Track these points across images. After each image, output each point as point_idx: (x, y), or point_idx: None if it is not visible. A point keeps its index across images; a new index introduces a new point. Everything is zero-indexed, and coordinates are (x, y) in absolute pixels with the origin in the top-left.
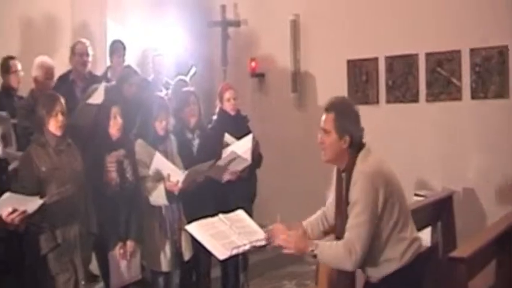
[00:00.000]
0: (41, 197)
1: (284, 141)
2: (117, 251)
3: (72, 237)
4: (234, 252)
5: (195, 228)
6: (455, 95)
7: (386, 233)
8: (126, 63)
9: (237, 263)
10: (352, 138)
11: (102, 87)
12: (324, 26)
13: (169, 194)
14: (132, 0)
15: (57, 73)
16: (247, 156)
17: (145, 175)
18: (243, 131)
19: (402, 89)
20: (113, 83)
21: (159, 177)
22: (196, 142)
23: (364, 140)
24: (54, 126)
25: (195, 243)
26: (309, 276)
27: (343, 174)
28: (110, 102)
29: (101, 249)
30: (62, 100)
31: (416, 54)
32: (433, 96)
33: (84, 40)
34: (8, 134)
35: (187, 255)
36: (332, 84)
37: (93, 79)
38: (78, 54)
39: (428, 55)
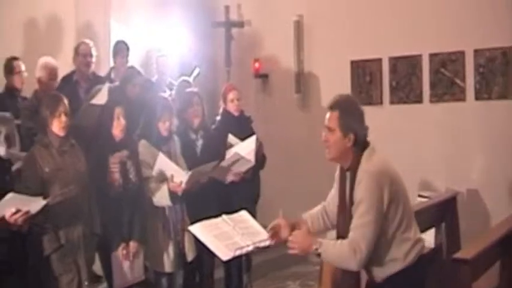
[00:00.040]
0: (44, 198)
1: (288, 142)
2: (120, 251)
3: (76, 238)
4: (238, 253)
5: (198, 229)
6: (459, 95)
7: (390, 232)
8: (129, 63)
9: (240, 264)
10: (357, 137)
11: (105, 88)
12: (328, 27)
13: (172, 194)
14: (136, 1)
15: (61, 74)
16: (251, 157)
17: (148, 176)
18: (246, 131)
19: (406, 90)
20: (117, 83)
21: (163, 178)
22: (199, 143)
23: (368, 139)
24: (57, 127)
25: (199, 244)
26: (313, 276)
27: (347, 173)
28: (113, 103)
29: (104, 249)
30: (65, 101)
31: (420, 55)
32: (437, 97)
33: (87, 41)
34: (12, 135)
35: (190, 256)
36: (336, 85)
37: (97, 80)
38: (81, 54)
39: (432, 56)
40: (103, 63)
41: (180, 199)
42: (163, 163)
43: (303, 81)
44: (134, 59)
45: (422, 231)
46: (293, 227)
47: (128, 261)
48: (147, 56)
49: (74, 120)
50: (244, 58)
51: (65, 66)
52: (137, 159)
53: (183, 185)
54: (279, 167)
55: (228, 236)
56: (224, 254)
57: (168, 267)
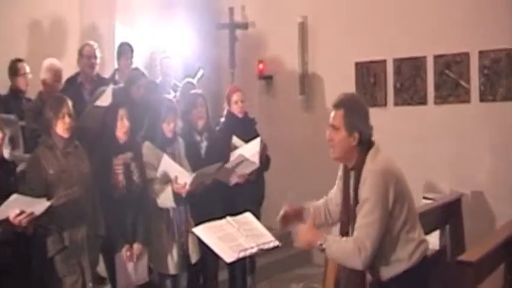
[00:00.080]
0: (49, 199)
1: (292, 144)
2: (124, 253)
3: (80, 240)
4: (242, 255)
5: (202, 231)
6: (463, 97)
7: (395, 232)
8: (134, 65)
9: (244, 266)
10: (362, 136)
11: (109, 89)
12: (332, 28)
13: (176, 196)
14: (140, 3)
15: (65, 75)
16: (255, 159)
17: (153, 177)
18: (250, 133)
19: (410, 92)
20: (121, 85)
21: (167, 180)
22: (204, 144)
23: (372, 139)
24: (61, 128)
25: (203, 246)
26: (317, 278)
27: (352, 173)
28: (116, 105)
29: (108, 251)
30: (69, 102)
31: (425, 57)
32: (441, 98)
33: (92, 42)
34: (16, 137)
35: (194, 257)
36: (340, 86)
37: (101, 81)
38: (86, 56)
39: (437, 57)
40: (107, 64)
41: (184, 201)
42: (167, 164)
43: (307, 83)
44: (138, 61)
45: (427, 233)
46: (299, 214)
47: (131, 262)
48: (151, 58)
49: (78, 121)
50: (249, 60)
51: (69, 68)
52: (141, 161)
53: (187, 187)
54: (283, 168)
55: (232, 237)
56: (228, 255)
57: (172, 269)
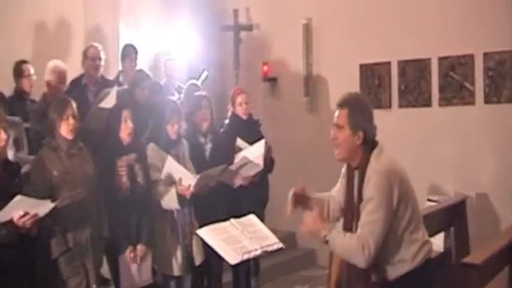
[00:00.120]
0: (53, 201)
1: (296, 146)
2: (128, 254)
3: (84, 241)
4: (246, 257)
5: (206, 233)
6: (468, 99)
7: (399, 232)
8: (138, 67)
9: (248, 268)
10: (366, 134)
11: (114, 91)
12: (337, 30)
13: (181, 198)
14: (144, 5)
15: (70, 77)
16: (260, 161)
17: (157, 179)
18: (255, 135)
19: (415, 94)
20: (125, 87)
21: (171, 181)
22: (208, 146)
23: (376, 139)
24: (65, 129)
25: (207, 248)
26: (322, 280)
27: (356, 172)
28: (120, 106)
29: (111, 252)
30: (73, 104)
31: (429, 59)
32: (446, 100)
33: (96, 44)
34: (20, 139)
35: (198, 259)
36: (344, 88)
37: (105, 83)
38: (90, 58)
39: (441, 59)
40: (112, 66)
41: (188, 202)
42: (171, 166)
43: (311, 85)
44: (143, 63)
45: (431, 235)
46: (306, 198)
47: (135, 264)
48: (155, 60)
49: (82, 123)
50: (253, 61)
51: (73, 69)
52: (145, 163)
53: (192, 188)
54: (287, 170)
55: (236, 240)
56: (232, 257)
57: (176, 270)
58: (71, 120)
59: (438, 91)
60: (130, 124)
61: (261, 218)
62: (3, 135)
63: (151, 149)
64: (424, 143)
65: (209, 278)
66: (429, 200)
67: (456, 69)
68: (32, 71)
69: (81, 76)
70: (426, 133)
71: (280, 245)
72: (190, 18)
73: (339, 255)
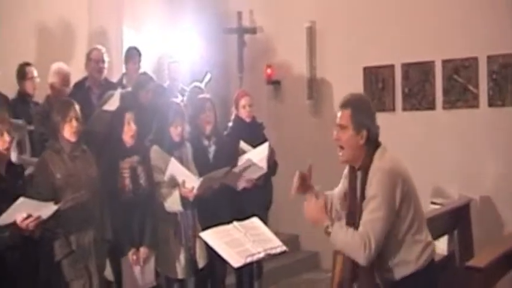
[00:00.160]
0: (56, 203)
1: (300, 149)
2: (130, 256)
3: (87, 244)
4: (249, 260)
5: (209, 236)
6: (472, 102)
7: (402, 232)
8: (141, 70)
9: (251, 271)
10: (369, 134)
11: (117, 93)
12: (340, 33)
13: (184, 200)
14: (148, 7)
15: (74, 79)
16: (263, 164)
17: (160, 181)
18: (258, 138)
19: (418, 97)
20: (129, 89)
21: (174, 184)
22: (212, 149)
23: (379, 140)
24: (68, 132)
25: (210, 251)
26: (325, 283)
27: (358, 173)
28: (123, 109)
29: (114, 255)
30: (77, 106)
31: (433, 62)
32: (450, 103)
33: (100, 47)
34: (23, 141)
35: (201, 262)
36: (348, 91)
37: (109, 86)
38: (94, 60)
39: (445, 62)
40: (116, 69)
41: (191, 205)
42: (175, 168)
43: (315, 88)
44: (146, 65)
45: (435, 238)
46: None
47: (138, 266)
48: (159, 62)
49: (86, 126)
50: (257, 64)
51: (77, 72)
52: (148, 165)
53: (195, 191)
54: (291, 173)
55: (239, 242)
56: (235, 260)
57: (180, 273)
58: (74, 123)
59: (442, 94)
60: (133, 126)
61: (264, 221)
62: (7, 138)
63: (155, 152)
64: (428, 146)
65: (212, 281)
66: (433, 203)
67: (460, 72)
68: (35, 73)
69: (85, 79)
70: (430, 136)
71: (284, 248)
72: (194, 21)
73: (339, 248)
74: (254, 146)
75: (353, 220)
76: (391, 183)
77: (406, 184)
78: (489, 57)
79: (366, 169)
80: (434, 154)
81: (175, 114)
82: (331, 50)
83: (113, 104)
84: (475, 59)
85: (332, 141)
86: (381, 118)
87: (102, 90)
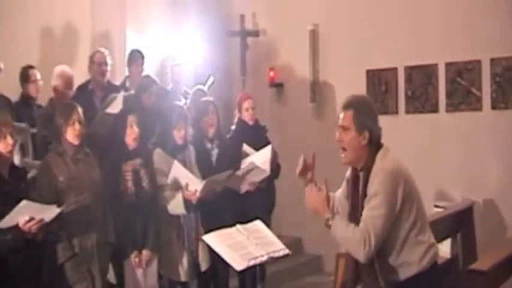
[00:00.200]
0: (59, 206)
1: (303, 151)
2: (133, 259)
3: (90, 247)
4: (252, 263)
5: (212, 239)
6: (475, 105)
7: (404, 233)
8: (144, 72)
9: (254, 274)
10: (372, 134)
11: (120, 96)
12: (343, 36)
13: (187, 203)
14: (151, 10)
15: (77, 82)
16: (266, 167)
17: (163, 184)
18: (261, 141)
19: (422, 99)
20: (132, 92)
21: (177, 186)
22: (215, 152)
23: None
24: (71, 135)
25: (213, 254)
26: (328, 287)
27: (361, 173)
28: (126, 111)
29: (117, 258)
30: (80, 109)
31: (436, 64)
32: (453, 106)
33: (102, 49)
34: (26, 144)
35: (204, 266)
36: (351, 94)
37: (112, 88)
38: (96, 63)
39: (448, 65)
40: (118, 72)
41: (194, 208)
42: (178, 171)
43: (318, 91)
44: (149, 68)
45: (438, 241)
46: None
47: (140, 269)
48: (162, 65)
49: (89, 129)
50: (260, 67)
51: (80, 75)
52: (151, 168)
53: (198, 194)
54: (294, 176)
55: (242, 246)
56: (238, 264)
57: (183, 276)
58: (77, 126)
59: (445, 97)
60: (135, 129)
61: (267, 224)
62: (10, 141)
63: (158, 155)
64: (431, 148)
65: (215, 284)
66: (436, 206)
67: (463, 75)
68: (38, 76)
69: (88, 82)
70: (433, 139)
71: (287, 251)
72: (197, 24)
73: (339, 242)
74: (257, 149)
75: (355, 221)
76: (393, 182)
77: (408, 185)
78: (492, 60)
79: (368, 170)
80: (437, 157)
81: (179, 117)
82: (334, 52)
83: (116, 107)
84: (478, 62)
85: (335, 143)
86: (384, 121)
87: (105, 93)
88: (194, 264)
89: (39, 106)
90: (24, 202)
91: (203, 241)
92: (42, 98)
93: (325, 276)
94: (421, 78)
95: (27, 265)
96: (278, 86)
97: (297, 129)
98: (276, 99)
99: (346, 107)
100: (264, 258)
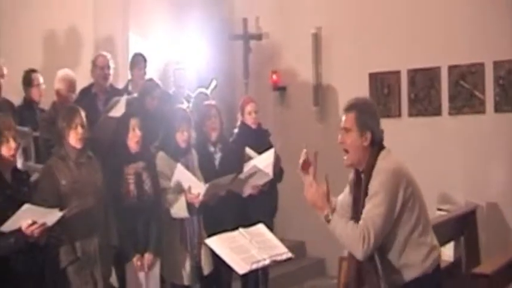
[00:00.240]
0: (61, 210)
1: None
2: (135, 262)
3: (92, 251)
4: (254, 266)
5: (215, 242)
6: (478, 108)
7: (406, 233)
8: (147, 76)
9: (257, 278)
10: (373, 135)
11: (123, 100)
12: (346, 39)
13: (190, 206)
14: (154, 14)
15: (79, 86)
16: (269, 170)
17: (166, 187)
18: (264, 144)
19: (425, 102)
20: (135, 95)
21: (180, 190)
22: (218, 156)
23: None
24: (74, 138)
25: (216, 258)
26: None
27: (363, 175)
28: (128, 115)
29: (119, 261)
30: (82, 113)
31: (439, 67)
32: (456, 109)
33: (105, 53)
34: (28, 148)
35: (206, 269)
36: (354, 97)
37: (115, 92)
38: (99, 67)
39: (451, 68)
40: (121, 75)
41: (197, 211)
42: (181, 174)
43: (321, 94)
44: (152, 72)
45: (442, 244)
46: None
47: (142, 272)
48: (164, 69)
49: (91, 132)
50: (262, 70)
51: (83, 78)
52: (154, 171)
53: (201, 197)
54: (296, 180)
55: (244, 249)
56: (241, 267)
57: (185, 279)
58: (80, 129)
59: (448, 100)
60: (138, 132)
61: (270, 228)
62: (13, 144)
63: (161, 158)
64: (434, 152)
65: None
66: (439, 209)
67: (466, 77)
68: (41, 80)
69: (91, 85)
70: (436, 142)
71: (289, 254)
72: (200, 27)
73: (337, 239)
74: (260, 153)
75: (356, 220)
76: (394, 182)
77: (410, 185)
78: (495, 63)
79: (369, 171)
80: (440, 160)
81: (182, 119)
82: (337, 56)
83: (118, 111)
84: (482, 65)
85: (338, 147)
86: (387, 124)
87: (108, 96)
88: (197, 267)
89: (42, 110)
90: (26, 206)
91: (206, 245)
92: (45, 102)
93: (328, 280)
94: (424, 81)
95: (30, 269)
96: (281, 89)
97: (300, 133)
98: (278, 102)
99: (349, 109)
100: (267, 261)
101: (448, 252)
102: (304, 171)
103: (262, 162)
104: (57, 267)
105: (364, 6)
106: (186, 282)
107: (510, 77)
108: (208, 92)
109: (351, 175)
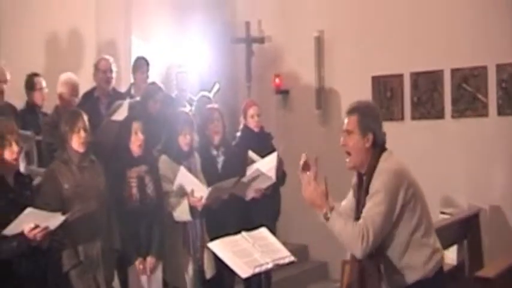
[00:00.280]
0: (63, 214)
1: (308, 159)
2: (137, 266)
3: (95, 255)
4: (257, 270)
5: (217, 246)
6: (481, 111)
7: (408, 233)
8: (149, 80)
9: (260, 281)
10: (375, 137)
11: (126, 103)
12: (349, 43)
13: (193, 209)
14: (157, 17)
15: (82, 90)
16: (272, 174)
17: (168, 190)
18: (267, 148)
19: (427, 106)
20: (137, 99)
21: (183, 193)
22: (221, 159)
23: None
24: (76, 142)
25: (219, 261)
26: None
27: (364, 177)
28: (131, 118)
29: (122, 265)
30: (85, 116)
31: (442, 70)
32: (459, 112)
33: (107, 57)
34: (31, 152)
35: (209, 273)
36: (356, 100)
37: (117, 95)
38: (101, 71)
39: (454, 71)
40: (124, 79)
41: (200, 214)
42: (184, 177)
43: (323, 97)
44: (154, 75)
45: (445, 248)
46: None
47: (145, 276)
48: (167, 72)
49: (94, 136)
50: (265, 74)
51: (86, 82)
52: (156, 175)
53: (204, 200)
54: (299, 183)
55: (247, 253)
56: (243, 271)
57: (188, 283)
58: (82, 133)
59: (451, 103)
60: (140, 136)
61: (273, 231)
62: (16, 148)
63: (164, 161)
64: (437, 155)
65: None
66: (442, 212)
67: (469, 81)
68: (43, 84)
69: (94, 89)
70: (439, 145)
71: (292, 258)
72: (202, 31)
73: (336, 237)
74: (263, 156)
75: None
76: (396, 182)
77: (411, 186)
78: (498, 66)
79: (371, 173)
80: (443, 163)
81: (184, 123)
82: (340, 59)
83: (121, 114)
84: (484, 68)
85: (341, 150)
86: (390, 127)
87: (111, 100)
88: (199, 271)
89: (44, 114)
90: (29, 209)
91: (208, 248)
92: (48, 106)
93: (330, 283)
94: (427, 84)
95: (32, 272)
96: (283, 92)
97: (302, 136)
98: (281, 106)
99: (351, 112)
100: (270, 265)
101: (451, 256)
102: (305, 173)
103: (265, 165)
104: (60, 271)
105: (366, 10)
106: (188, 286)
107: None
108: (210, 95)
109: (354, 179)
